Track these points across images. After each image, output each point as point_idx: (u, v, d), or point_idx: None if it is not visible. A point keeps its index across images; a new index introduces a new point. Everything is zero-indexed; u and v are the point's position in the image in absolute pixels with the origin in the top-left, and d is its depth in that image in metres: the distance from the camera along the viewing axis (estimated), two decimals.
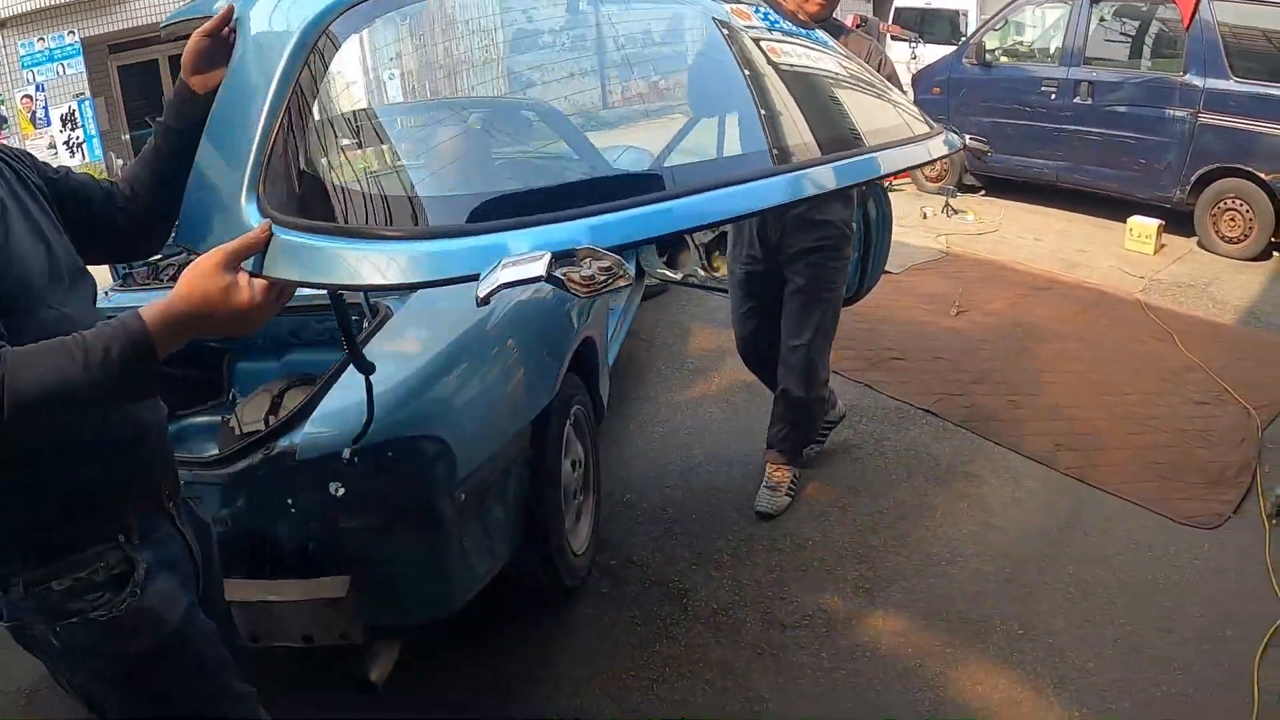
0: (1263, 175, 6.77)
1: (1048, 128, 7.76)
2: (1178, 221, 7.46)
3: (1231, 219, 7.05)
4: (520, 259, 1.18)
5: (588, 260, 1.18)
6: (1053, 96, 7.70)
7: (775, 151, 1.80)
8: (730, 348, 5.11)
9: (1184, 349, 5.36)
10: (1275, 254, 7.17)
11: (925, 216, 7.93)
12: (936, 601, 3.26)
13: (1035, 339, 5.46)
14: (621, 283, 1.18)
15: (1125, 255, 7.14)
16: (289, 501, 2.23)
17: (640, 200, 1.43)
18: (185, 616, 1.45)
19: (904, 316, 5.74)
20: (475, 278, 1.20)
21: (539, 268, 1.16)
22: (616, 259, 1.19)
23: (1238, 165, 6.87)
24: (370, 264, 1.28)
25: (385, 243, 1.30)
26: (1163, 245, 7.29)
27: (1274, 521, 3.69)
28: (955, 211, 8.04)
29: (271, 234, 1.28)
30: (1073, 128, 7.59)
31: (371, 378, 1.89)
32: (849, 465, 4.11)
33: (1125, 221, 7.34)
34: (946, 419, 4.51)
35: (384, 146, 1.58)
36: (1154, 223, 7.18)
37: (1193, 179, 7.11)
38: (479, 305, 1.20)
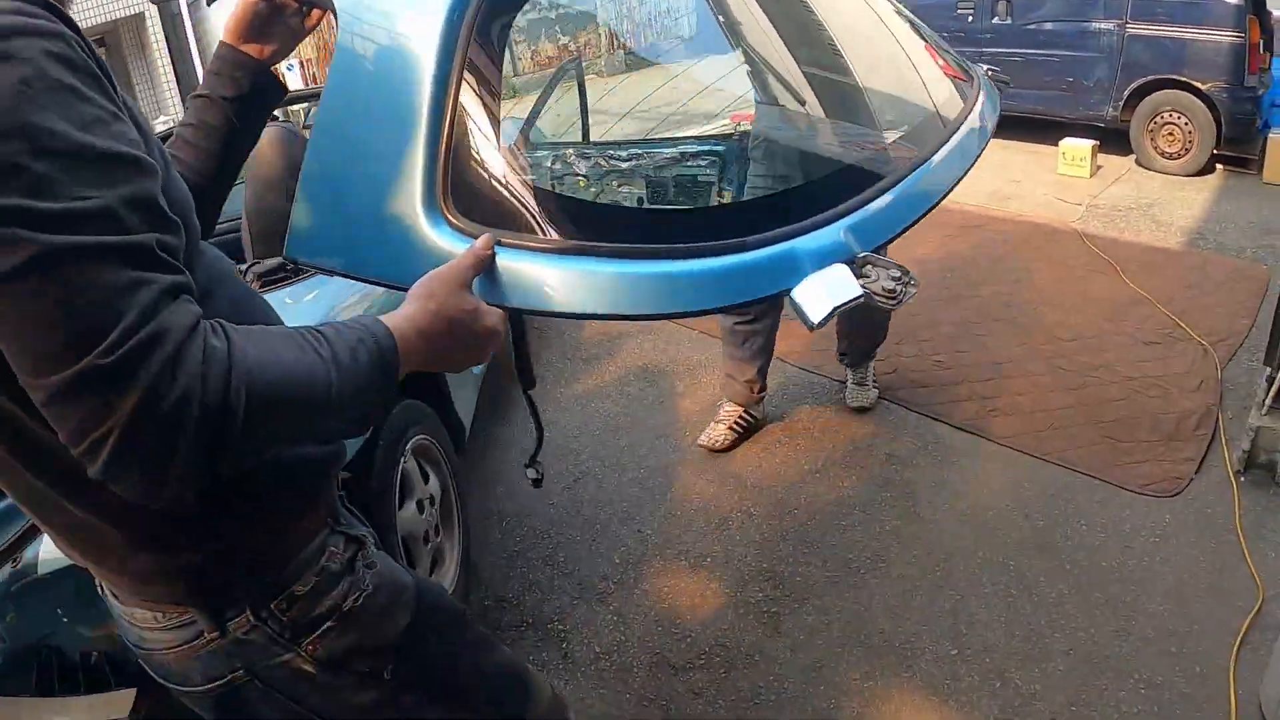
0: (1199, 85, 6.27)
1: (967, 53, 7.18)
2: (1114, 141, 6.97)
3: (1170, 134, 6.56)
4: (819, 277, 1.17)
5: (868, 267, 1.18)
6: (970, 19, 7.14)
7: (940, 116, 1.80)
8: (628, 330, 4.59)
9: (1128, 281, 4.86)
10: (1219, 167, 6.71)
11: None
12: (854, 622, 2.73)
13: (965, 285, 4.94)
14: (913, 290, 1.17)
15: (1060, 181, 6.63)
16: (58, 610, 1.91)
17: (878, 188, 1.38)
18: (407, 571, 1.25)
19: None
20: (765, 300, 1.28)
21: (853, 285, 1.15)
22: (903, 266, 1.19)
23: (1172, 76, 6.36)
24: (643, 289, 1.16)
25: (645, 262, 1.16)
26: (1099, 167, 6.80)
27: (1243, 478, 3.20)
28: None
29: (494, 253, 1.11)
30: (994, 50, 7.04)
31: None
32: (753, 458, 3.56)
33: (1059, 145, 6.83)
34: None
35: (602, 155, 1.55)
36: (1088, 144, 6.67)
37: (1125, 94, 6.60)
38: (812, 330, 1.16)
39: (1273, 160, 6.39)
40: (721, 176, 2.39)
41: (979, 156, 1.88)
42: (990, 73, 2.31)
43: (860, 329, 3.64)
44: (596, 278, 1.16)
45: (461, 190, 1.19)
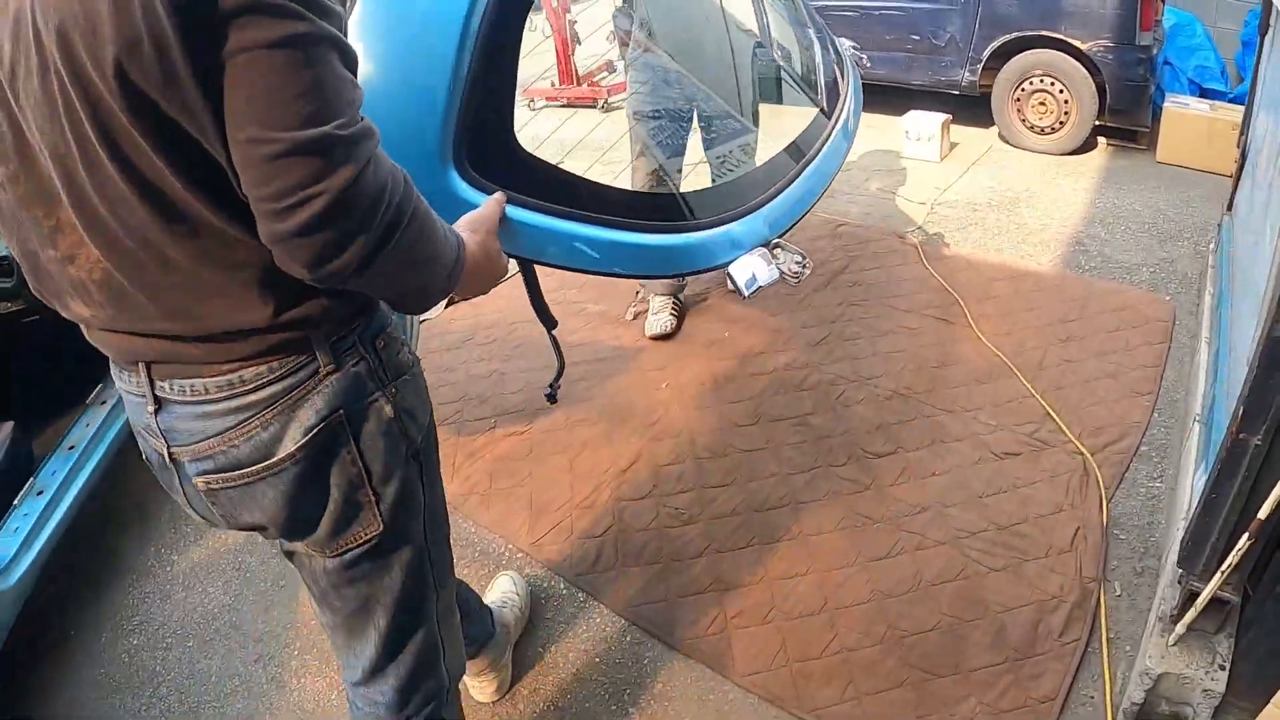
0: (1079, 44, 4.82)
1: None
2: (972, 112, 5.55)
3: (1041, 104, 5.12)
4: (748, 261, 1.83)
5: (779, 250, 1.79)
6: None
7: (824, 108, 2.45)
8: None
9: (980, 334, 3.40)
10: (1101, 141, 5.33)
11: None
12: None
13: (735, 371, 3.39)
14: (808, 273, 1.92)
15: (905, 169, 5.16)
16: None
17: (785, 182, 2.05)
18: None
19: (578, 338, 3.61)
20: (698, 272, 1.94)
21: (773, 269, 1.84)
22: (802, 251, 1.90)
23: (1044, 32, 4.89)
24: (621, 253, 1.67)
25: (624, 232, 1.65)
26: (954, 145, 5.37)
27: None
28: None
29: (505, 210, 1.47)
30: (823, 3, 5.47)
31: None
32: None
33: (903, 120, 5.33)
34: (559, 581, 2.45)
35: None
36: (938, 119, 5.20)
37: (985, 55, 5.12)
38: (744, 299, 1.91)
39: (1169, 137, 5.02)
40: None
41: (848, 152, 2.45)
42: (852, 50, 2.86)
43: None
44: (588, 240, 1.59)
45: (477, 147, 1.49)
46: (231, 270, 1.04)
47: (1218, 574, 1.73)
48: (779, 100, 2.75)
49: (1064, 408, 2.96)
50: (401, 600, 1.37)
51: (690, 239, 1.80)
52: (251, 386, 1.13)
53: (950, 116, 5.26)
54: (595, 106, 6.42)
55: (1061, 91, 5.00)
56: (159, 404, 1.16)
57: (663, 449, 2.92)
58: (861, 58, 2.77)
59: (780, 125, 2.56)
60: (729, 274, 1.93)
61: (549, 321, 1.87)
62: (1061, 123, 5.10)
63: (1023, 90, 5.11)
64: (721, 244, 1.86)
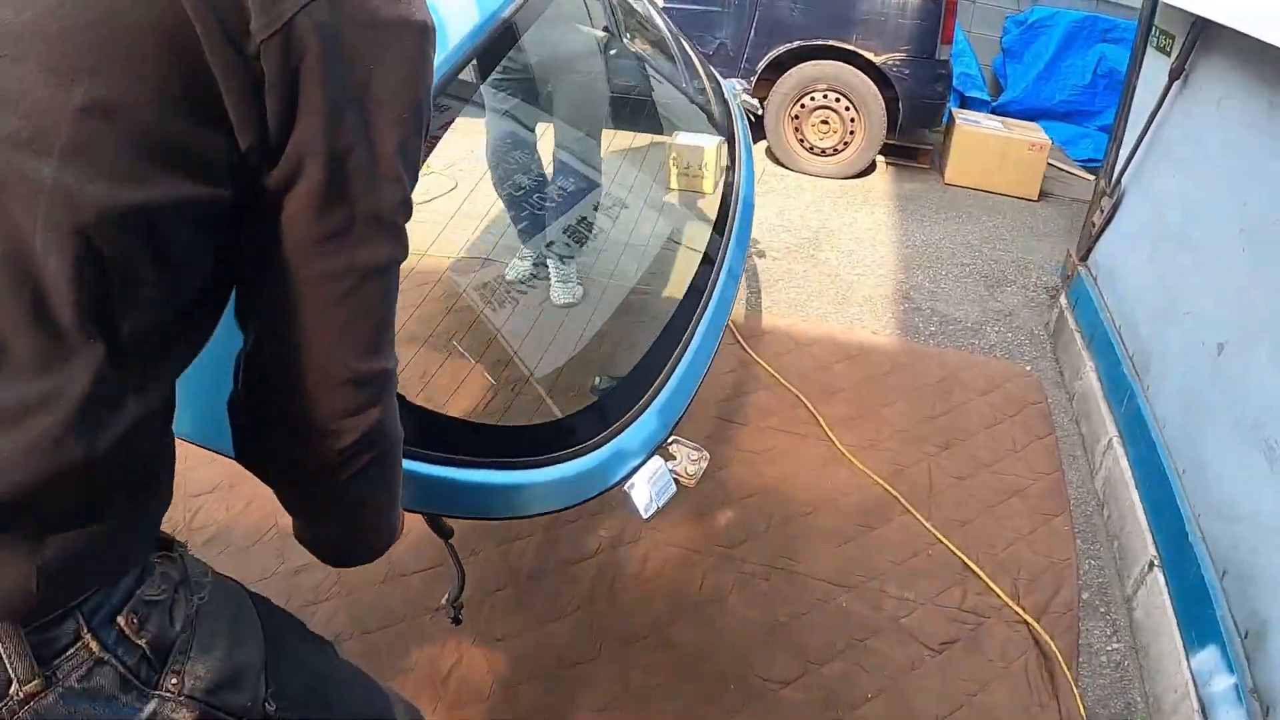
0: (873, 56, 4.10)
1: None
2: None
3: (824, 122, 4.38)
4: (643, 474, 1.52)
5: (675, 446, 1.53)
6: None
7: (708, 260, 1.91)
8: None
9: (840, 446, 2.53)
10: (880, 160, 4.70)
11: None
12: None
13: (545, 563, 2.27)
14: (704, 465, 1.65)
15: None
16: None
17: (669, 368, 1.53)
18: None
19: None
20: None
21: (670, 484, 1.66)
22: (696, 444, 1.62)
23: (832, 42, 4.13)
24: (504, 497, 1.24)
25: (505, 472, 1.23)
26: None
27: None
28: None
29: None
30: None
31: None
32: None
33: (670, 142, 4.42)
34: None
35: None
36: (712, 143, 4.32)
37: (761, 66, 4.30)
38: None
39: (960, 159, 4.44)
40: None
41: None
42: (743, 100, 2.46)
43: None
44: (470, 487, 1.20)
45: None
46: None
47: None
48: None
49: (980, 552, 2.21)
50: None
51: (572, 468, 1.32)
52: None
53: (723, 140, 4.40)
54: None
55: (848, 109, 4.27)
56: None
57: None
58: (757, 112, 2.02)
59: (661, 278, 2.16)
60: (626, 494, 1.66)
61: (444, 532, 1.41)
62: (846, 143, 4.39)
63: (802, 106, 4.35)
64: (609, 462, 1.37)
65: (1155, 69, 2.84)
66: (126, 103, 0.59)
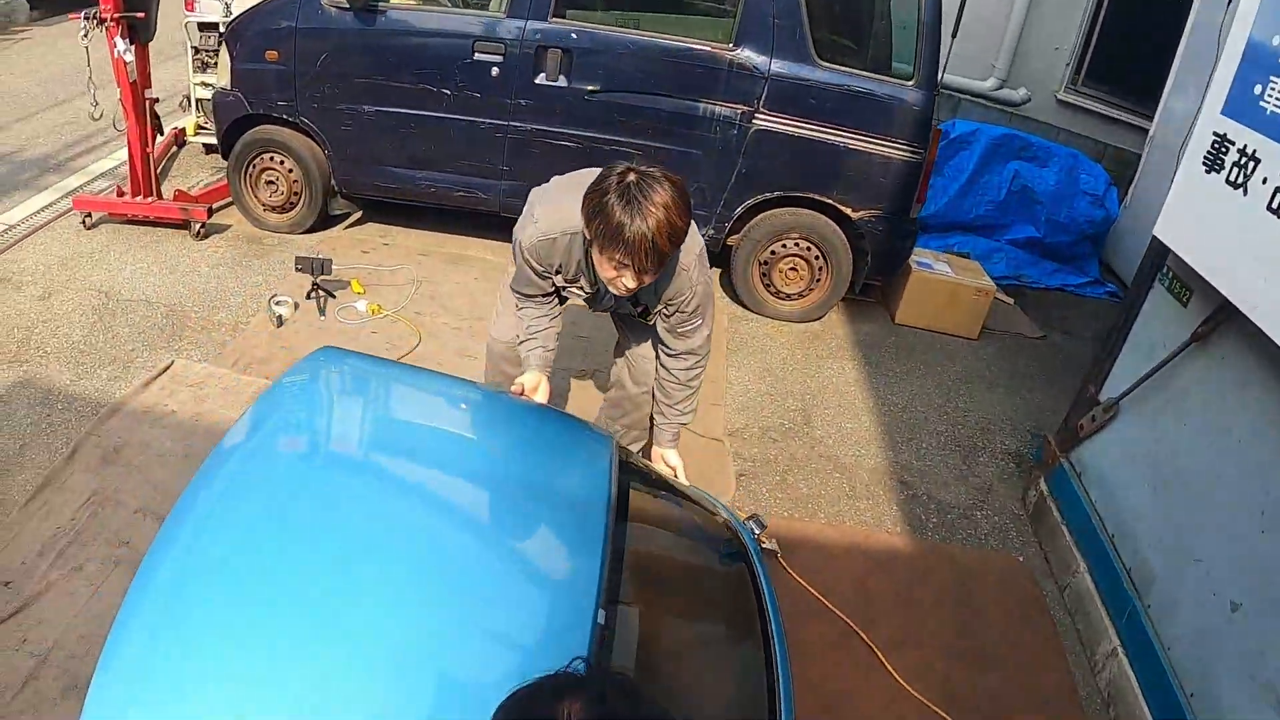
0: (849, 210, 4.17)
1: (483, 128, 4.29)
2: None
3: (793, 269, 4.43)
4: None
5: None
6: (494, 72, 4.18)
7: None
8: None
9: (889, 667, 2.59)
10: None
11: (277, 321, 3.99)
12: None
13: None
14: None
15: None
16: None
17: None
18: None
19: None
20: None
21: None
22: None
23: (813, 195, 4.18)
24: None
25: None
26: None
27: None
28: (329, 294, 4.18)
29: None
30: (532, 126, 4.26)
31: None
32: None
33: None
34: None
35: None
36: None
37: (738, 211, 4.30)
38: None
39: (912, 302, 4.61)
40: None
41: None
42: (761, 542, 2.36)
43: None
44: None
45: None
46: None
47: None
48: None
49: None
50: None
51: None
52: None
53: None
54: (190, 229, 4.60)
55: (818, 258, 4.35)
56: None
57: None
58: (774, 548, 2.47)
59: None
60: None
61: None
62: (810, 289, 4.47)
63: (771, 253, 4.38)
64: None
65: (1164, 307, 3.01)
66: None
